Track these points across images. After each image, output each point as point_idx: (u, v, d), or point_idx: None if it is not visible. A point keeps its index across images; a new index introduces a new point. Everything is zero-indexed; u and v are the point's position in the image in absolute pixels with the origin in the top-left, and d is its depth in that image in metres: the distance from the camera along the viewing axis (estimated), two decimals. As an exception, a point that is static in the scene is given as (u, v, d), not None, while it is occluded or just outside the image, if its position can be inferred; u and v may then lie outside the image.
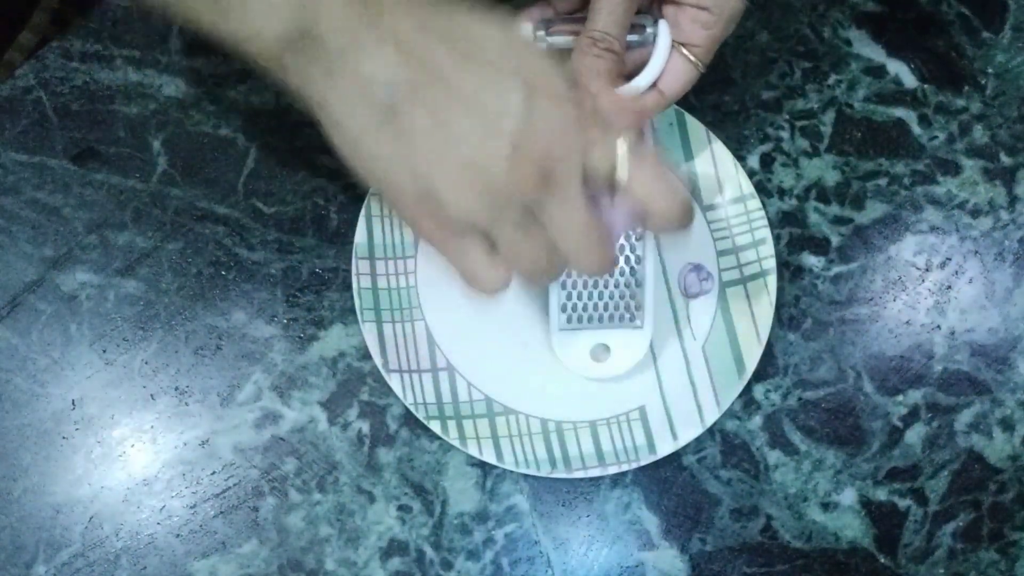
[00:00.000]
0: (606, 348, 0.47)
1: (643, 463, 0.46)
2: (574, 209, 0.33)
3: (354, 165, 0.33)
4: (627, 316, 0.46)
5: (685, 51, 0.41)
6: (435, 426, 0.46)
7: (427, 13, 0.32)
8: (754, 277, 0.49)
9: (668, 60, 0.41)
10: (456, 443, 0.46)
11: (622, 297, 0.46)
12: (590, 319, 0.46)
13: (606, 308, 0.46)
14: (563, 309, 0.46)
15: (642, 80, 0.41)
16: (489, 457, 0.46)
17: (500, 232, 0.33)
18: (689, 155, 0.50)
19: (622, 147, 0.34)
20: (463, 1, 0.33)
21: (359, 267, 0.48)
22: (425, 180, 0.32)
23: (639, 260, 0.46)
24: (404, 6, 0.32)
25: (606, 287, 0.46)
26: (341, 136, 0.33)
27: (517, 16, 0.42)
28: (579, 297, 0.46)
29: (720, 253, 0.50)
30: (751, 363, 0.47)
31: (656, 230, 0.38)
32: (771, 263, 0.49)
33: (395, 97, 0.31)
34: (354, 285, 0.47)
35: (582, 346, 0.47)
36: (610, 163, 0.34)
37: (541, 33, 0.41)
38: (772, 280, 0.48)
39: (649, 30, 0.41)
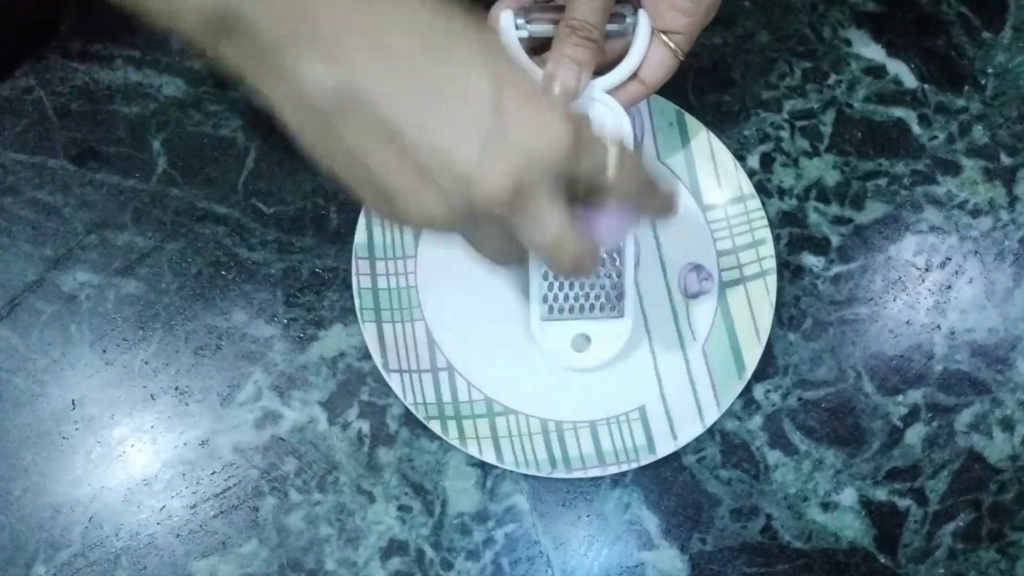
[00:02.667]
0: (587, 338, 0.47)
1: (643, 463, 0.46)
2: (550, 222, 0.31)
3: (311, 156, 0.30)
4: (608, 306, 0.46)
5: (665, 38, 0.41)
6: (435, 426, 0.46)
7: (377, 4, 0.28)
8: (754, 277, 0.49)
9: (648, 49, 0.41)
10: (456, 443, 0.46)
11: (603, 287, 0.45)
12: (571, 309, 0.45)
13: (587, 298, 0.45)
14: (544, 300, 0.45)
15: (622, 70, 0.41)
16: (489, 457, 0.46)
17: (464, 232, 0.32)
18: (689, 155, 0.50)
19: (613, 149, 0.32)
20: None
21: (359, 267, 0.48)
22: (383, 185, 0.29)
23: (619, 250, 0.45)
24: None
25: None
26: (289, 126, 0.30)
27: (496, 4, 0.41)
28: (560, 288, 0.45)
29: (720, 253, 0.50)
30: (751, 363, 0.47)
31: (648, 221, 0.36)
32: (771, 263, 0.49)
33: (343, 104, 0.27)
34: (354, 285, 0.47)
35: (563, 336, 0.47)
36: (600, 167, 0.31)
37: (521, 21, 0.41)
38: (772, 280, 0.48)
39: (629, 19, 0.41)
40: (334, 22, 0.27)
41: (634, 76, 0.42)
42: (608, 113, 0.42)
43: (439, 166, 0.28)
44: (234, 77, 0.29)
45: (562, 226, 0.31)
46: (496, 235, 0.32)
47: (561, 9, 0.40)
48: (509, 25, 0.41)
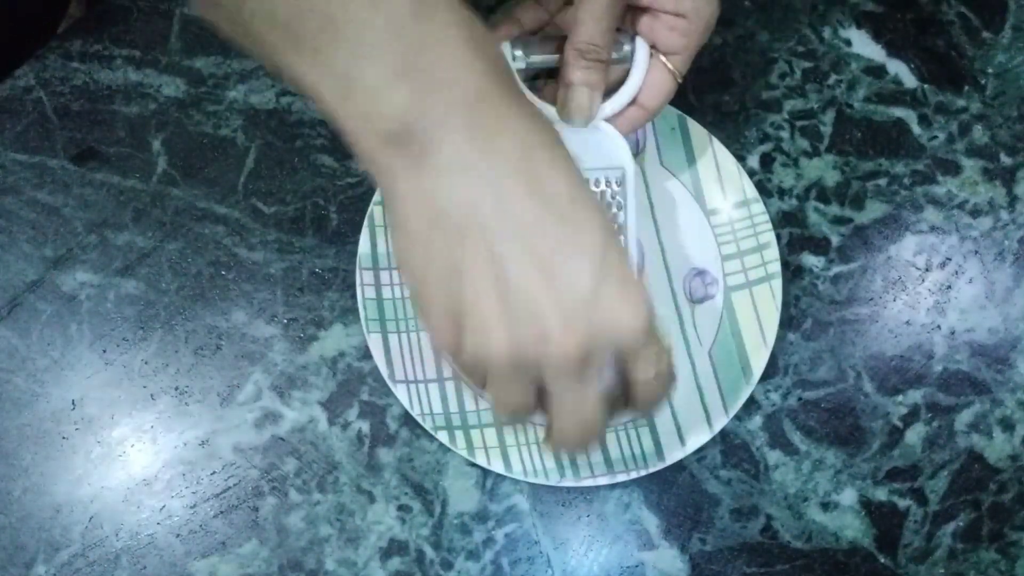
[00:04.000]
0: None
1: (652, 470, 0.46)
2: (591, 396, 0.32)
3: (401, 266, 0.32)
4: None
5: (664, 60, 0.41)
6: (443, 436, 0.46)
7: (534, 159, 0.30)
8: (759, 281, 0.49)
9: (647, 74, 0.41)
10: (464, 453, 0.46)
11: None
12: None
13: None
14: None
15: (622, 96, 0.42)
16: (498, 467, 0.46)
17: (498, 382, 0.32)
18: (692, 160, 0.50)
19: (666, 354, 0.33)
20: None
21: (363, 277, 0.47)
22: (461, 306, 0.30)
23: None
24: (519, 143, 0.30)
25: None
26: (397, 232, 0.32)
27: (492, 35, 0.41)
28: None
29: (725, 258, 0.49)
30: (758, 367, 0.47)
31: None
32: (776, 267, 0.48)
33: (468, 227, 0.30)
34: (359, 296, 0.47)
35: None
36: (657, 375, 0.33)
37: (519, 53, 0.41)
38: (777, 284, 0.48)
39: (627, 47, 0.41)
40: (497, 160, 0.29)
41: (633, 102, 0.42)
42: (608, 142, 0.42)
43: (527, 313, 0.30)
44: (370, 172, 0.31)
45: (598, 404, 0.33)
46: (526, 392, 0.32)
47: (559, 38, 0.40)
48: (507, 57, 0.40)
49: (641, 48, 0.41)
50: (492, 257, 0.30)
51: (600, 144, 0.42)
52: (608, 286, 0.30)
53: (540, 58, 0.41)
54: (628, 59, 0.41)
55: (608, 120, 0.42)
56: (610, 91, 0.41)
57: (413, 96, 0.28)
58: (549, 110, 0.41)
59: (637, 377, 0.33)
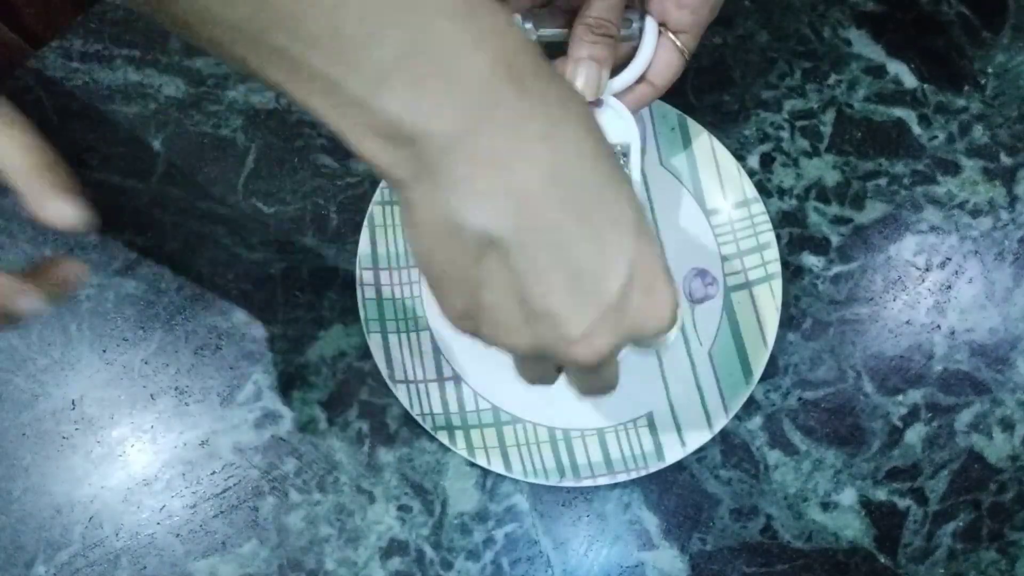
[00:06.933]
0: None
1: (652, 470, 0.46)
2: (612, 375, 0.32)
3: (418, 263, 0.29)
4: None
5: (672, 37, 0.41)
6: (443, 436, 0.46)
7: (558, 150, 0.26)
8: (759, 281, 0.49)
9: (656, 51, 0.42)
10: (464, 453, 0.46)
11: None
12: None
13: None
14: None
15: (631, 72, 0.42)
16: (497, 467, 0.46)
17: (518, 362, 0.32)
18: (692, 160, 0.50)
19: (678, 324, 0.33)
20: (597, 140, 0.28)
21: (363, 277, 0.47)
22: (477, 309, 0.29)
23: None
24: (539, 134, 0.26)
25: None
26: (411, 231, 0.28)
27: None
28: None
29: (724, 258, 0.49)
30: (758, 367, 0.47)
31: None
32: (776, 267, 0.48)
33: (487, 243, 0.27)
34: (359, 296, 0.47)
35: None
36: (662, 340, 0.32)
37: (529, 27, 0.41)
38: (777, 284, 0.48)
39: (636, 24, 0.42)
40: (514, 162, 0.26)
41: (641, 79, 0.42)
42: (616, 118, 0.42)
43: (548, 319, 0.28)
44: (380, 172, 0.27)
45: (616, 376, 0.32)
46: (549, 369, 0.32)
47: (569, 12, 0.40)
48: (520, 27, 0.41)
49: (650, 25, 0.41)
50: (512, 271, 0.27)
51: (607, 120, 0.42)
52: (637, 291, 0.28)
53: (549, 32, 0.41)
54: (637, 36, 0.42)
55: (616, 96, 0.42)
56: (618, 68, 0.42)
57: (408, 97, 0.24)
58: None
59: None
